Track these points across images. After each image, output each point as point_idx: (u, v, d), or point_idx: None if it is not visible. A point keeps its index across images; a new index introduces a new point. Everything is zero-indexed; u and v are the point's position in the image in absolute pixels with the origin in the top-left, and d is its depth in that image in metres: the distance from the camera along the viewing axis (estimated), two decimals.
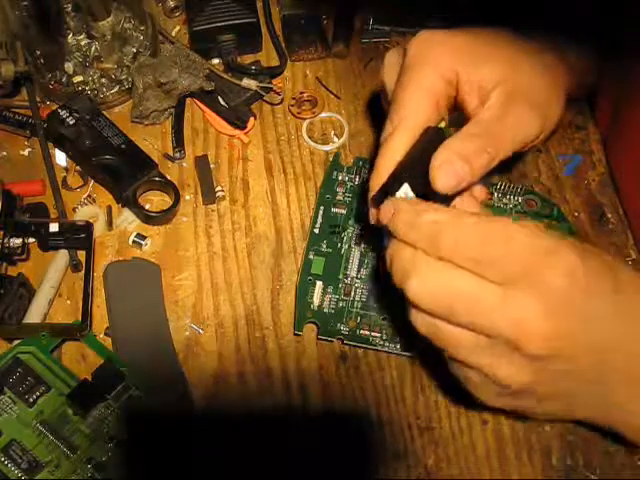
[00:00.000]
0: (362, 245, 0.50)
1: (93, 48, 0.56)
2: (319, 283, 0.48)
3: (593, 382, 0.35)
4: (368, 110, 0.58)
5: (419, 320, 0.36)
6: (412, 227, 0.35)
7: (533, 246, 0.33)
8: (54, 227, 0.49)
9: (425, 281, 0.34)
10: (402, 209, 0.36)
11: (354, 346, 0.48)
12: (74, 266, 0.50)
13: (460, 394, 0.46)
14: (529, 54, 0.42)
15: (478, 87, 0.41)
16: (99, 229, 0.51)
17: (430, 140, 0.39)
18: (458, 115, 0.42)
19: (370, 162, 0.54)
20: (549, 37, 0.44)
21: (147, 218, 0.52)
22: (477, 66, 0.41)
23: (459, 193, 0.40)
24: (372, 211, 0.40)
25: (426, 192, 0.38)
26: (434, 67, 0.40)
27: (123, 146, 0.53)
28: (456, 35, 0.42)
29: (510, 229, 0.34)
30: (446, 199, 0.40)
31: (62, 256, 0.50)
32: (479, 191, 0.43)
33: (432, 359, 0.47)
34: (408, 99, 0.40)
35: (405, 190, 0.38)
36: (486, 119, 0.40)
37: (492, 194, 0.52)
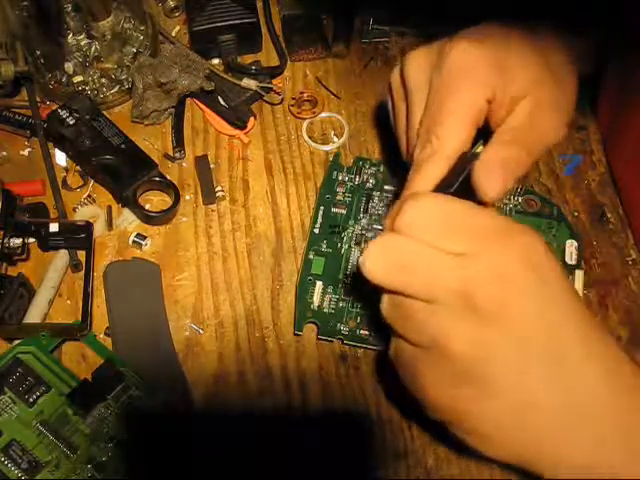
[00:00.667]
0: (362, 245, 0.50)
1: (93, 48, 0.56)
2: (319, 283, 0.48)
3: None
4: (368, 110, 0.58)
5: (384, 302, 0.36)
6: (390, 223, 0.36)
7: (491, 224, 0.34)
8: (54, 227, 0.49)
9: (382, 246, 0.34)
10: None
11: (354, 346, 0.48)
12: (74, 266, 0.50)
13: None
14: (549, 57, 0.41)
15: (510, 101, 0.40)
16: (99, 229, 0.51)
17: (466, 167, 0.38)
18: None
19: (369, 161, 0.54)
20: (560, 32, 0.43)
21: (147, 218, 0.52)
22: (511, 80, 0.39)
23: None
24: None
25: None
26: (474, 85, 0.39)
27: (123, 146, 0.53)
28: (491, 49, 0.40)
29: (468, 206, 0.35)
30: None
31: (62, 256, 0.50)
32: None
33: None
34: (449, 121, 0.39)
35: None
36: (515, 127, 0.39)
37: None
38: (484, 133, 0.40)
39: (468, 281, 0.33)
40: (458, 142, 0.39)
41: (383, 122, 0.55)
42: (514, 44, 0.41)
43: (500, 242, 0.33)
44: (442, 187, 0.38)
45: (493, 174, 0.37)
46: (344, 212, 0.51)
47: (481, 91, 0.39)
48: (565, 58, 0.43)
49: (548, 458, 0.34)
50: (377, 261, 0.35)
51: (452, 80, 0.39)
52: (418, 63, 0.42)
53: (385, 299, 0.36)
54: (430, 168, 0.38)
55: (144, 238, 0.51)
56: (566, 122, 0.41)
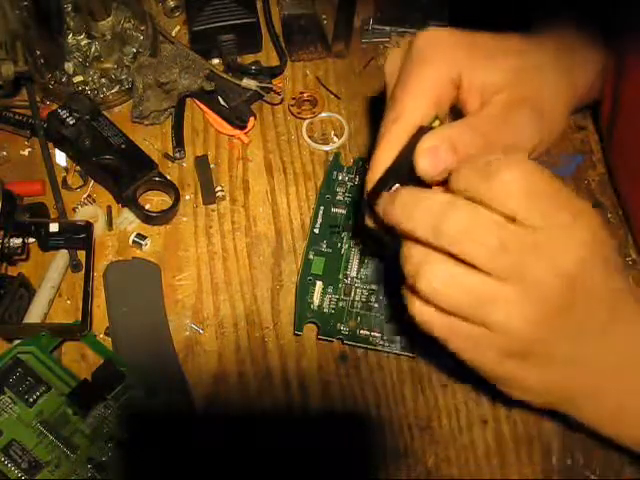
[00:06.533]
0: (362, 245, 0.50)
1: (93, 48, 0.56)
2: (319, 283, 0.48)
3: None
4: (368, 110, 0.58)
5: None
6: (412, 211, 0.35)
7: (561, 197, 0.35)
8: (54, 227, 0.49)
9: (436, 278, 0.34)
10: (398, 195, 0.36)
11: (354, 346, 0.48)
12: (74, 266, 0.50)
13: (460, 393, 0.46)
14: (538, 66, 0.42)
15: (481, 89, 0.40)
16: (99, 229, 0.51)
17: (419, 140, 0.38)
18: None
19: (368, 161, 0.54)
20: (559, 53, 0.43)
21: (147, 218, 0.52)
22: (482, 68, 0.40)
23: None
24: (366, 215, 0.40)
25: None
26: (437, 65, 0.40)
27: (123, 146, 0.53)
28: (463, 35, 0.41)
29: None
30: None
31: (62, 256, 0.50)
32: None
33: (432, 359, 0.47)
34: (407, 96, 0.39)
35: None
36: (484, 115, 0.39)
37: None
38: None
39: (547, 269, 0.33)
40: (414, 114, 0.39)
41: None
42: (491, 41, 0.41)
43: (572, 219, 0.34)
44: (398, 159, 0.38)
45: (432, 153, 0.36)
46: (344, 212, 0.51)
47: (441, 68, 0.40)
48: (567, 78, 0.43)
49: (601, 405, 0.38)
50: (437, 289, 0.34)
51: (414, 59, 0.40)
52: (393, 58, 0.43)
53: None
54: (386, 140, 0.39)
55: (144, 238, 0.51)
56: (545, 132, 0.40)
